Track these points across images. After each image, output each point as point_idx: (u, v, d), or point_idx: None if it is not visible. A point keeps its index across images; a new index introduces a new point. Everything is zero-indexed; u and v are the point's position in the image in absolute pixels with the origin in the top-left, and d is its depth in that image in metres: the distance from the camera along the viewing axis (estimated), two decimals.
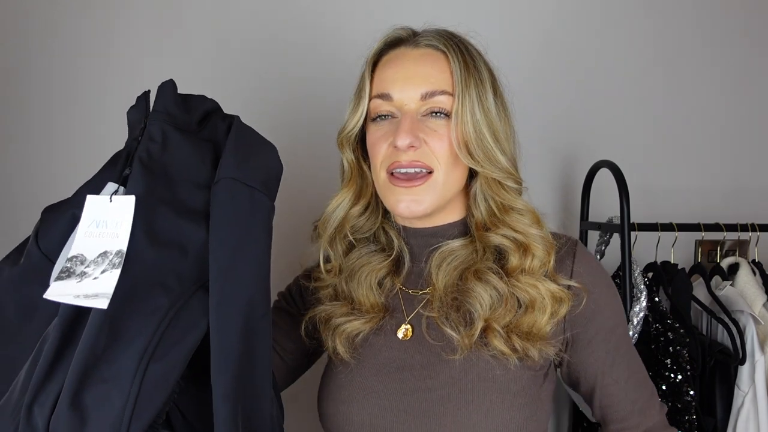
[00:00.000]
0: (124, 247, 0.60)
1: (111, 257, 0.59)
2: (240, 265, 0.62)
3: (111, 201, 0.62)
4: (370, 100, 0.83)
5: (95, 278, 0.58)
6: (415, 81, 0.80)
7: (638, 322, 1.28)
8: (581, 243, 0.87)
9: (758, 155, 1.70)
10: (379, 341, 0.84)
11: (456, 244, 0.85)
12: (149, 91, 0.70)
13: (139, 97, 0.69)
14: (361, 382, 0.82)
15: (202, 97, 0.72)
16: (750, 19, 1.68)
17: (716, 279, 1.46)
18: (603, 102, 1.62)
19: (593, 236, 1.50)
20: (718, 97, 1.67)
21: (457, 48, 0.81)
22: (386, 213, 0.90)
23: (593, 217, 1.52)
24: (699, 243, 1.53)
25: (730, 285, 1.41)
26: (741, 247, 1.54)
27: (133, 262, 0.59)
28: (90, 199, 0.63)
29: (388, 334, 0.85)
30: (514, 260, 0.81)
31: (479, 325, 0.78)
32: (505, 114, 0.84)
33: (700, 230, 1.40)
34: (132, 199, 0.61)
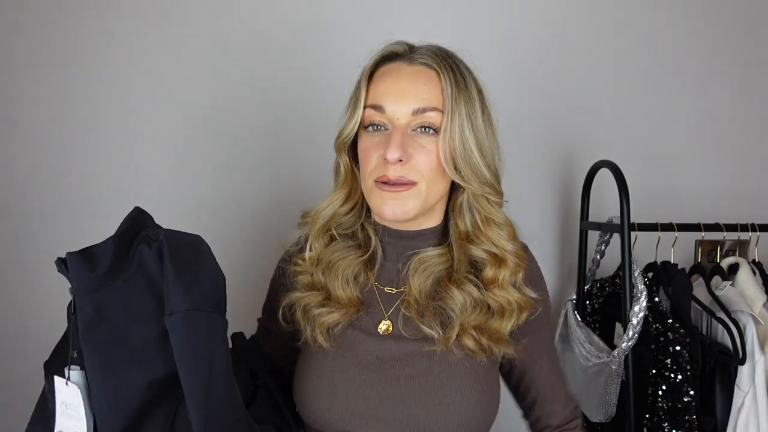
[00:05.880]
0: (85, 430, 0.68)
1: None
2: (213, 390, 0.69)
3: (67, 385, 0.69)
4: (364, 109, 0.87)
5: None
6: (407, 96, 0.84)
7: (638, 322, 1.28)
8: (528, 248, 0.97)
9: (758, 155, 1.70)
10: (359, 335, 0.91)
11: (433, 252, 0.91)
12: (62, 258, 0.69)
13: (59, 270, 0.69)
14: (343, 373, 0.88)
15: (111, 240, 0.70)
16: (751, 19, 1.68)
17: (716, 279, 1.46)
18: (603, 102, 1.62)
19: (593, 236, 1.50)
20: (718, 97, 1.67)
21: (449, 67, 0.86)
22: (368, 213, 0.96)
23: (593, 217, 1.52)
24: (699, 243, 1.53)
25: (730, 285, 1.41)
26: (741, 247, 1.54)
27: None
28: (56, 380, 0.70)
29: (366, 328, 0.91)
30: (489, 272, 0.89)
31: (456, 328, 0.86)
32: (492, 131, 0.89)
33: (700, 230, 1.41)
34: (76, 389, 0.68)
